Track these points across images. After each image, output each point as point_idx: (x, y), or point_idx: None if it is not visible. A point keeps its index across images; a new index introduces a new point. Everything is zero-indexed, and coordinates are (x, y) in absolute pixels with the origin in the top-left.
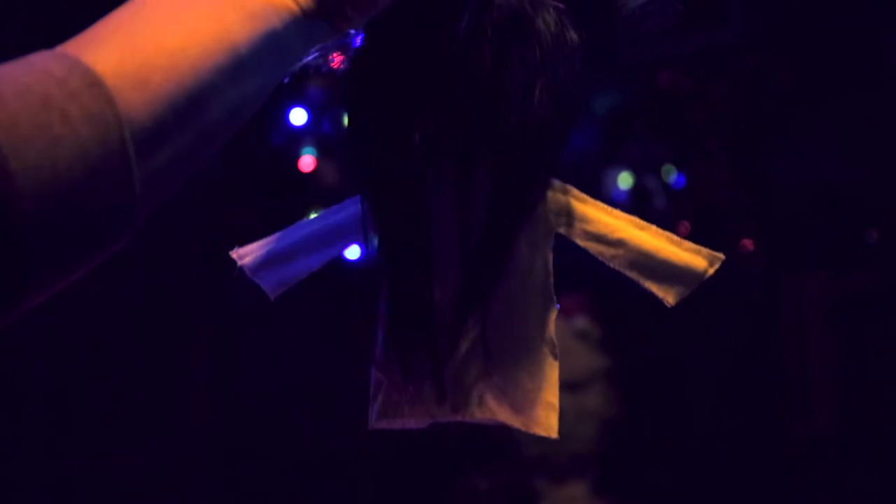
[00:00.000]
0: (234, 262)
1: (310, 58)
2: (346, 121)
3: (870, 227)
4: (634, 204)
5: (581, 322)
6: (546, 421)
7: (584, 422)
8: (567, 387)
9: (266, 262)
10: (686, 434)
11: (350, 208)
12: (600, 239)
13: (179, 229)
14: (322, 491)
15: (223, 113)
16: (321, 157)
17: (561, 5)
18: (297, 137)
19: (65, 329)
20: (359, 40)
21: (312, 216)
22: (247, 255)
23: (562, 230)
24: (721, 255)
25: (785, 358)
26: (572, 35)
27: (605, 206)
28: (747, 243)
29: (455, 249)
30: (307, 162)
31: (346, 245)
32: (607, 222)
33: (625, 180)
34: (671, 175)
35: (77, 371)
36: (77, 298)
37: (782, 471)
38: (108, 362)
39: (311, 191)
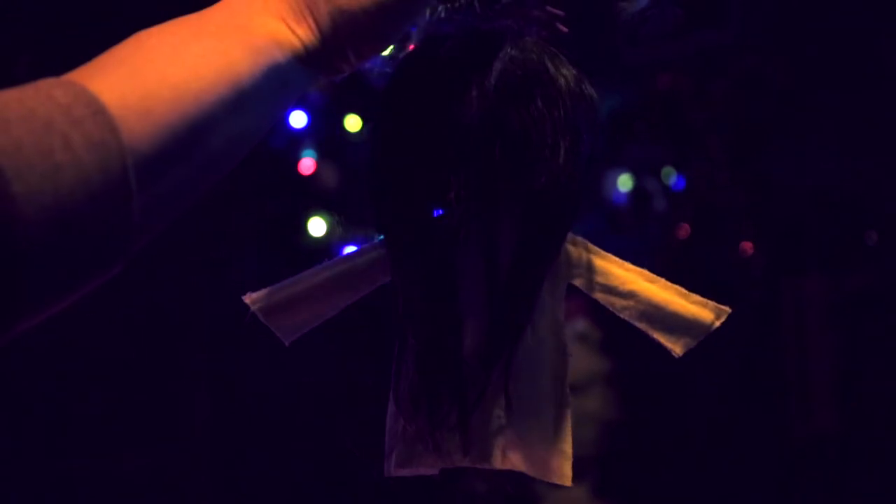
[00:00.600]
0: (232, 266)
1: None
2: (370, 179)
3: (869, 228)
4: (634, 206)
5: (581, 325)
6: (560, 470)
7: (583, 425)
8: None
9: (281, 308)
10: (686, 436)
11: (368, 254)
12: (612, 291)
13: (179, 231)
14: (321, 491)
15: (224, 144)
16: (321, 159)
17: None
18: (297, 140)
19: (65, 329)
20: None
21: (327, 261)
22: (260, 300)
23: (575, 282)
24: (727, 309)
25: (785, 359)
26: (590, 91)
27: (617, 259)
28: (747, 246)
29: (482, 301)
30: (307, 164)
31: (364, 292)
32: (619, 275)
33: (625, 182)
34: (671, 177)
35: (77, 371)
36: (77, 298)
37: (782, 471)
38: (108, 362)
39: (312, 193)
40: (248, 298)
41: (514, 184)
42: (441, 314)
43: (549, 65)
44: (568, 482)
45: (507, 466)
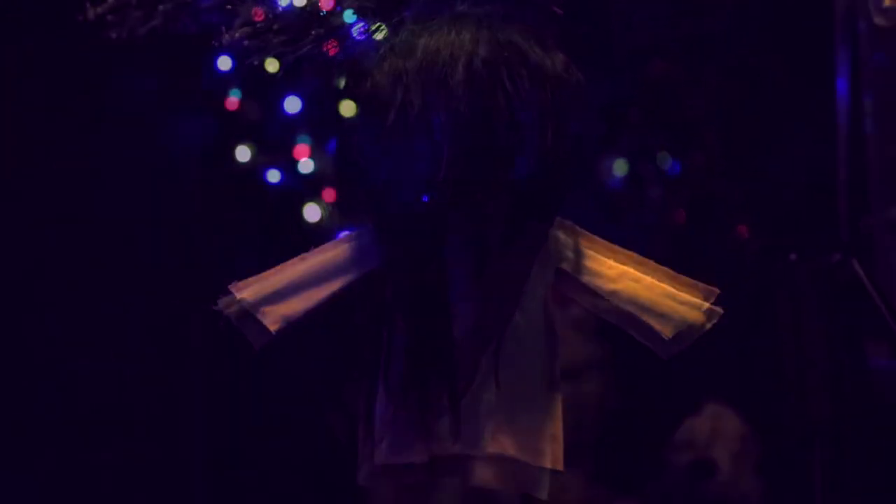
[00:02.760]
0: (230, 252)
1: (304, 49)
2: (359, 164)
3: (864, 213)
4: (629, 191)
5: (577, 310)
6: (553, 454)
7: (579, 410)
8: (563, 375)
9: (267, 297)
10: (681, 422)
11: (355, 240)
12: (600, 275)
13: (178, 231)
14: (320, 490)
15: None
16: (316, 144)
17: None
18: (292, 125)
19: (64, 329)
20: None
21: (313, 249)
22: (246, 288)
23: (563, 265)
24: (720, 310)
25: (781, 344)
26: (577, 75)
27: (606, 243)
28: (742, 230)
29: (471, 286)
30: (302, 150)
31: (352, 279)
32: (607, 258)
33: (620, 167)
34: (666, 162)
35: (75, 371)
36: (75, 297)
37: (779, 460)
38: (106, 361)
39: (306, 178)
40: (234, 287)
41: (502, 166)
42: (430, 299)
43: (536, 48)
44: (560, 466)
45: (497, 450)
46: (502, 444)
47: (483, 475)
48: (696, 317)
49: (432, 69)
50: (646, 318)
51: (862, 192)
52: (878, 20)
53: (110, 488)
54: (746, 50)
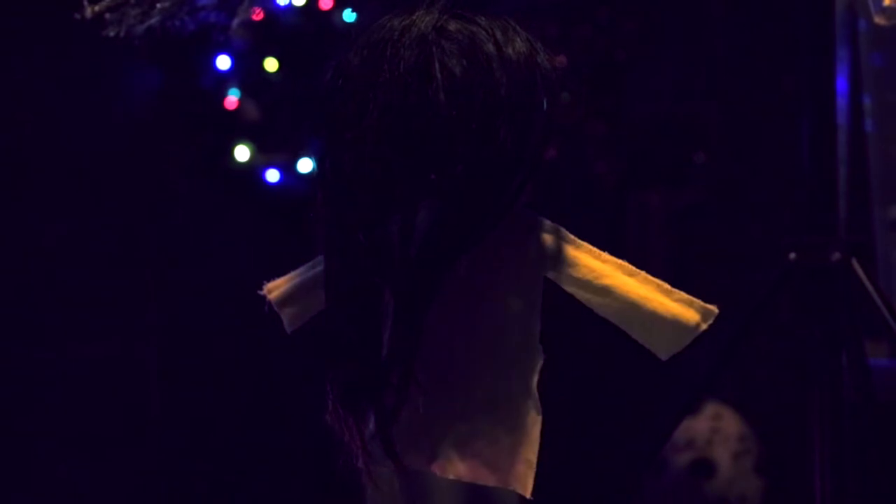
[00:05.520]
0: (230, 253)
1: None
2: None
3: (698, 150)
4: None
5: None
6: (523, 478)
7: None
8: None
9: (290, 296)
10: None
11: None
12: (586, 285)
13: (178, 231)
14: (319, 490)
15: None
16: (244, 96)
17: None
18: (223, 80)
19: (63, 330)
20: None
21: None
22: (275, 288)
23: (548, 274)
24: (715, 309)
25: (781, 344)
26: (543, 62)
27: (593, 249)
28: (601, 166)
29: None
30: (232, 101)
31: None
32: (593, 267)
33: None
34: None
35: (74, 371)
36: (75, 297)
37: (778, 459)
38: (105, 360)
39: (236, 125)
40: (266, 288)
41: (440, 165)
42: (360, 308)
43: (499, 35)
44: (527, 493)
45: (452, 473)
46: (456, 466)
47: (456, 468)
48: (690, 315)
49: (373, 53)
50: (640, 316)
51: (862, 191)
52: (879, 19)
53: (109, 487)
54: (746, 49)
